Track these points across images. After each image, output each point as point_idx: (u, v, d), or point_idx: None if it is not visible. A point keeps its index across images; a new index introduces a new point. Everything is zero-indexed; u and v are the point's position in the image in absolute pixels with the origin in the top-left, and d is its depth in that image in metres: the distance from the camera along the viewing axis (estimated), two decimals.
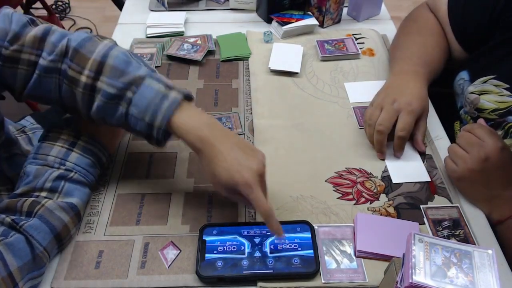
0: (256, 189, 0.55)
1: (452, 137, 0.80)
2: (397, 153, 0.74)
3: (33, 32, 0.59)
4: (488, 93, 0.74)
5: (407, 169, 0.73)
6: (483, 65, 0.77)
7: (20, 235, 0.55)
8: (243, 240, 0.62)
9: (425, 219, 0.66)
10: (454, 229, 0.64)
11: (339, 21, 1.09)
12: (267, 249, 0.61)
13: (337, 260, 0.61)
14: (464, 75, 0.81)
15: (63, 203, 0.61)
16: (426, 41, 0.84)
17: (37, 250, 0.56)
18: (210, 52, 0.99)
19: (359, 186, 0.71)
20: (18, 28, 0.58)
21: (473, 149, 0.65)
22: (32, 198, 0.59)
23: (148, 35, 1.04)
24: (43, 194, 0.60)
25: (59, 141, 0.64)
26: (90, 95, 0.59)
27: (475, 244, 0.62)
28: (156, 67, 0.95)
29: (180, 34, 1.05)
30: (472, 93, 0.77)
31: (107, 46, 0.60)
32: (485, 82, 0.75)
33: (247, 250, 0.61)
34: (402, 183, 0.71)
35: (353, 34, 1.03)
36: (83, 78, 0.58)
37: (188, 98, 0.60)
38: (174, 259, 0.61)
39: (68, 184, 0.62)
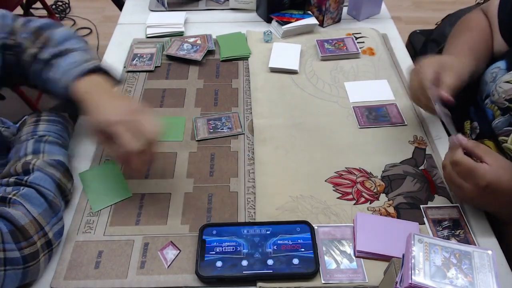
0: (119, 127, 0.60)
1: None
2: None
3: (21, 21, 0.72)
4: None
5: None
6: None
7: (29, 188, 0.59)
8: (243, 240, 0.62)
9: (425, 219, 0.66)
10: (454, 229, 0.64)
11: (339, 21, 1.09)
12: (267, 249, 0.61)
13: (337, 260, 0.61)
14: (500, 64, 0.78)
15: (51, 161, 0.65)
16: (475, 38, 0.84)
17: (49, 196, 0.60)
18: (210, 52, 0.99)
19: (359, 186, 0.71)
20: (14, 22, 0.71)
21: (470, 179, 0.60)
22: (21, 161, 0.63)
23: (148, 35, 1.04)
24: (29, 157, 0.64)
25: (25, 126, 0.71)
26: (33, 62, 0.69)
27: (475, 244, 0.62)
28: (156, 67, 0.95)
29: (180, 34, 1.05)
30: (507, 82, 0.73)
31: (62, 29, 0.73)
32: None
33: (246, 250, 0.61)
34: (402, 184, 0.71)
35: (353, 34, 1.03)
36: (34, 49, 0.69)
37: (104, 71, 0.69)
38: (174, 259, 0.61)
39: (47, 145, 0.67)
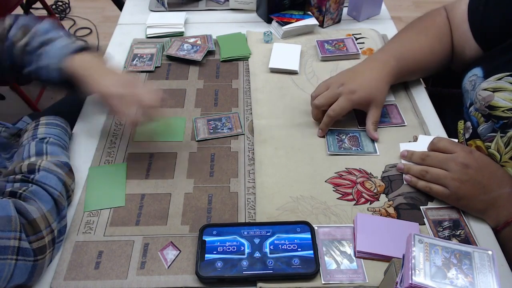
0: (115, 100, 0.67)
1: (455, 137, 0.80)
2: (320, 130, 0.78)
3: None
4: (502, 91, 0.72)
5: None
6: (499, 62, 0.75)
7: (37, 186, 0.60)
8: (243, 241, 0.62)
9: (425, 220, 0.66)
10: (455, 230, 0.64)
11: (339, 21, 1.09)
12: (267, 250, 0.61)
13: (337, 261, 0.61)
14: (477, 71, 0.78)
15: (56, 161, 0.66)
16: (418, 40, 0.85)
17: (55, 195, 0.61)
18: (210, 52, 0.99)
19: (359, 187, 0.71)
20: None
21: (449, 164, 0.66)
22: (25, 162, 0.64)
23: (148, 36, 1.04)
24: (33, 159, 0.65)
25: (26, 132, 0.73)
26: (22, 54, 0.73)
27: (476, 244, 0.62)
28: (156, 67, 0.95)
29: (180, 34, 1.05)
30: (485, 89, 0.74)
31: (43, 23, 0.76)
32: (500, 79, 0.73)
33: (247, 251, 0.61)
34: (403, 184, 0.71)
35: (353, 34, 1.03)
36: (22, 42, 0.72)
37: (89, 48, 0.74)
38: (174, 259, 0.61)
39: (49, 146, 0.68)
